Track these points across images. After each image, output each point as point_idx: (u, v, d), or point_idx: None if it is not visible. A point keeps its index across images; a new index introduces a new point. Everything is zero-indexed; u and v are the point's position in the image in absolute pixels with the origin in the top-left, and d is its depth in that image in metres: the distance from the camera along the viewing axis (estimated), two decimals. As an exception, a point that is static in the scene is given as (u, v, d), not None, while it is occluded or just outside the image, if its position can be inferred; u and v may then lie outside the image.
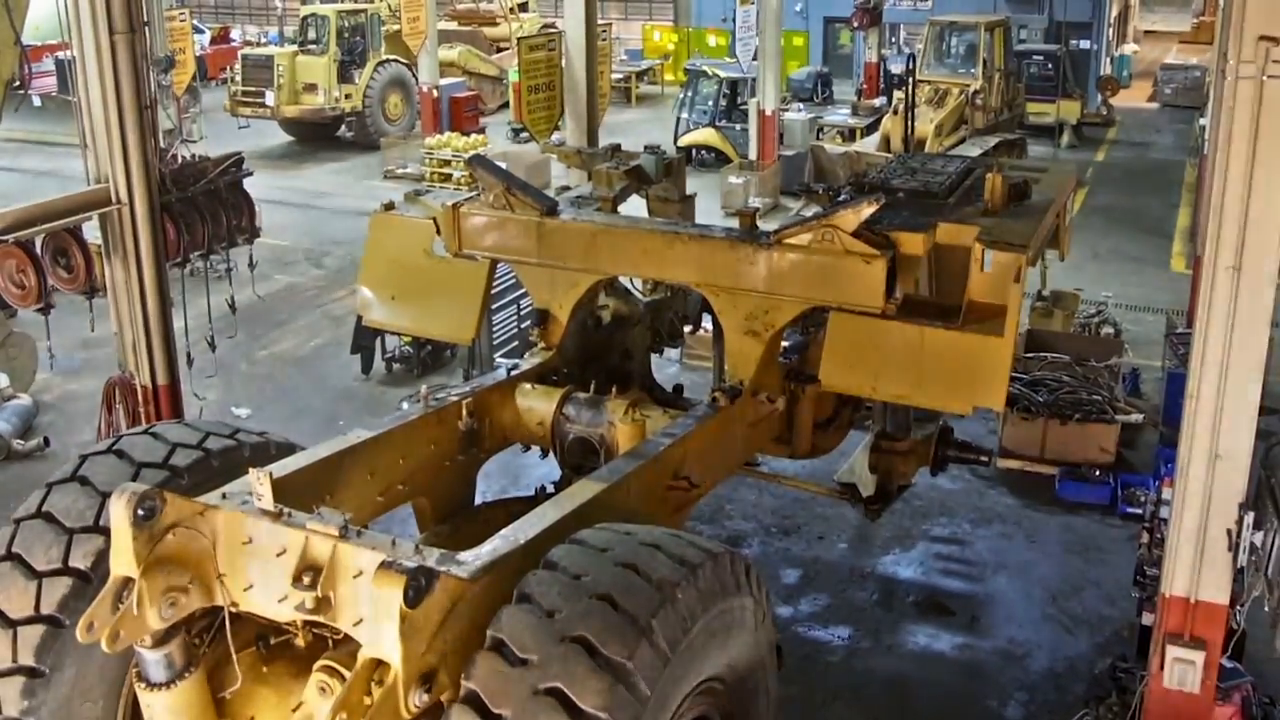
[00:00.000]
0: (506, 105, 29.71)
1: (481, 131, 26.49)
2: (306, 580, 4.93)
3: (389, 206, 8.31)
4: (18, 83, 10.69)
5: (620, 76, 33.62)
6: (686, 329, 9.30)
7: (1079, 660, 9.07)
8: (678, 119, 27.07)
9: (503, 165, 8.31)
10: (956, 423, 9.10)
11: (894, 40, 34.94)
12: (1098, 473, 11.60)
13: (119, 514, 4.94)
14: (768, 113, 22.91)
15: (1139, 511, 10.33)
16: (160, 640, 5.14)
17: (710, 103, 26.51)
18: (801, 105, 28.91)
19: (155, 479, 5.74)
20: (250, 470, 5.20)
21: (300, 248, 19.63)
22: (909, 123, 20.68)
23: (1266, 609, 6.70)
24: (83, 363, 14.00)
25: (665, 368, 12.85)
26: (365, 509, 6.24)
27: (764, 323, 7.26)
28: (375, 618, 4.70)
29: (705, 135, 25.95)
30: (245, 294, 13.66)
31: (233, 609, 5.23)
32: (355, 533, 5.04)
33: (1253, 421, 6.32)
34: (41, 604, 5.48)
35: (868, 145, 23.63)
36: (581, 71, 14.23)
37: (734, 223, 7.52)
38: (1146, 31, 47.48)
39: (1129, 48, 39.30)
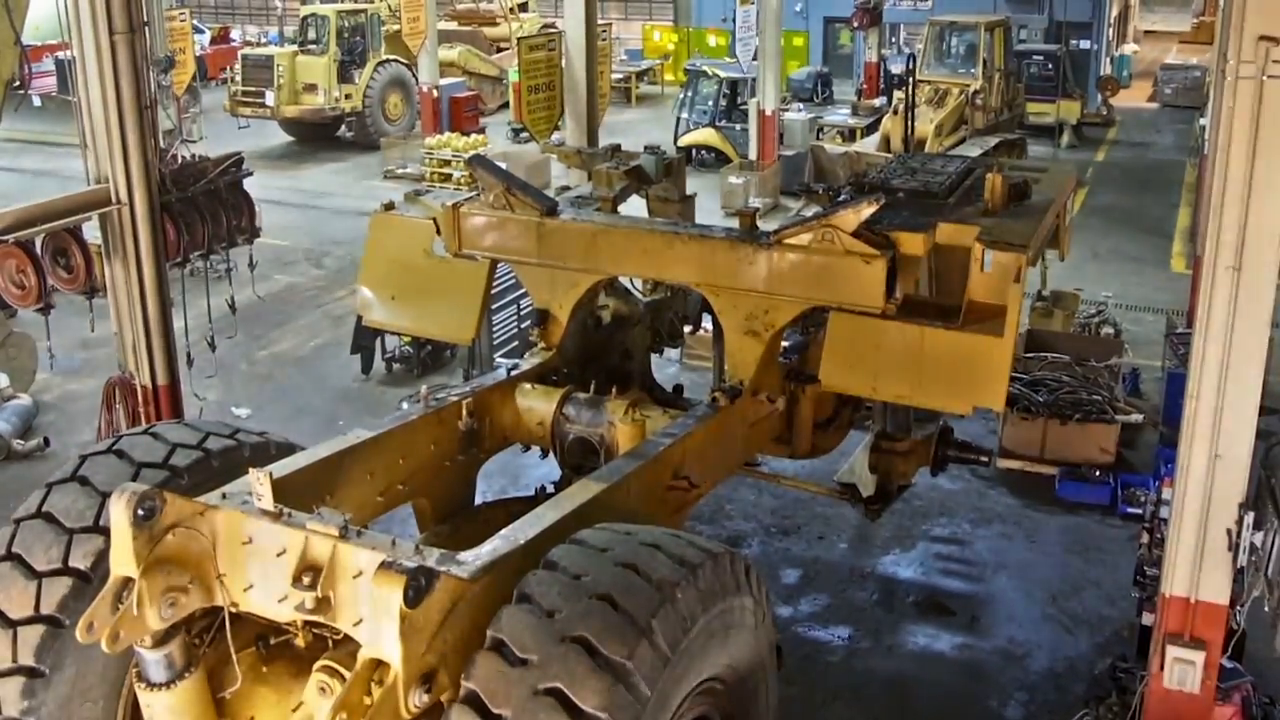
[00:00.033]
0: (506, 105, 29.71)
1: (481, 131, 26.49)
2: (306, 580, 4.93)
3: (389, 206, 8.31)
4: (18, 83, 10.69)
5: (620, 76, 33.62)
6: (686, 329, 9.30)
7: (1079, 660, 9.07)
8: (678, 119, 27.07)
9: (503, 165, 8.31)
10: (956, 423, 9.10)
11: (894, 40, 34.94)
12: (1098, 473, 11.60)
13: (119, 514, 4.94)
14: (768, 113, 22.90)
15: (1139, 511, 10.33)
16: (160, 640, 5.14)
17: (710, 103, 26.52)
18: (801, 105, 28.92)
19: (155, 479, 5.74)
20: (250, 470, 5.20)
21: (300, 248, 19.63)
22: (909, 123, 20.68)
23: (1266, 609, 6.69)
24: (83, 363, 14.00)
25: (665, 368, 12.85)
26: (365, 509, 6.24)
27: (764, 323, 7.26)
28: (375, 618, 4.70)
29: (705, 135, 25.95)
30: (245, 294, 13.66)
31: (233, 609, 5.23)
32: (355, 533, 5.04)
33: (1253, 421, 6.32)
34: (41, 604, 5.48)
35: (868, 145, 23.64)
36: (581, 71, 14.23)
37: (734, 223, 7.52)
38: (1146, 31, 47.48)
39: (1129, 48, 39.30)
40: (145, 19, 9.84)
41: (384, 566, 4.64)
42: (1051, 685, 8.83)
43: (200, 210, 11.09)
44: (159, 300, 9.62)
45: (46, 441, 12.56)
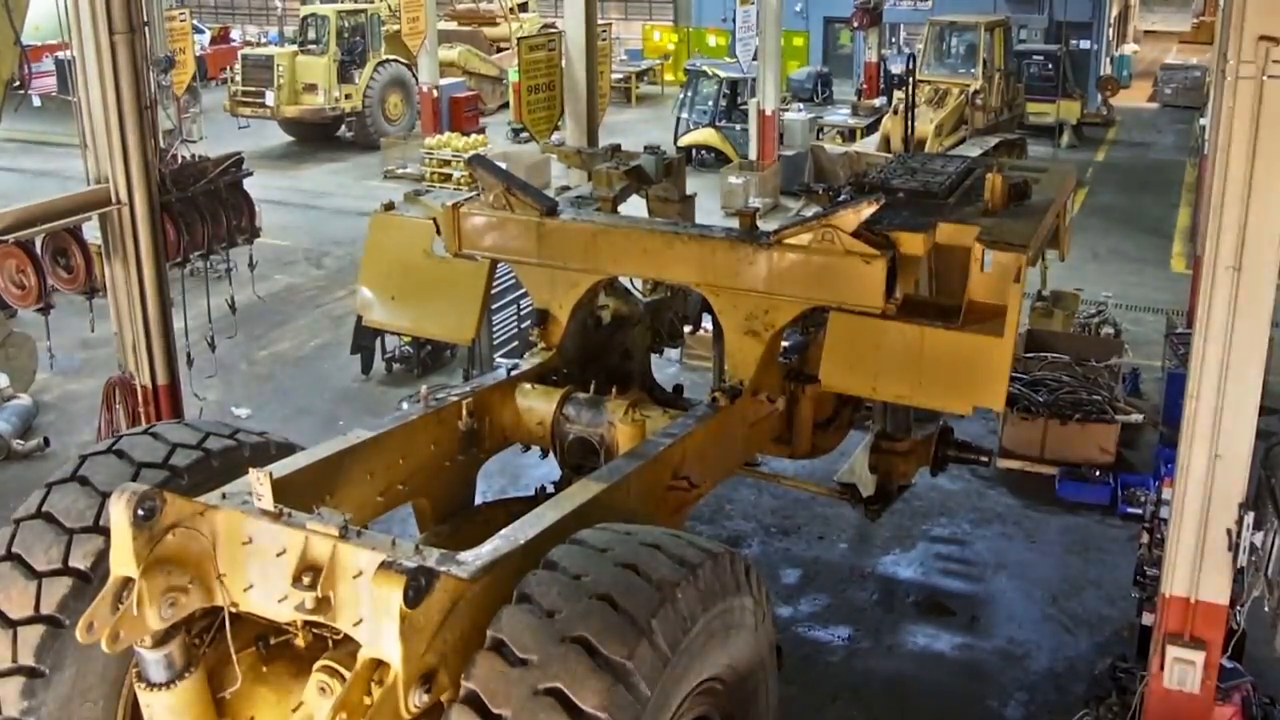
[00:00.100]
0: (506, 105, 29.71)
1: (481, 131, 26.49)
2: (306, 580, 4.93)
3: (389, 206, 8.31)
4: (18, 83, 10.69)
5: (620, 76, 33.62)
6: (686, 329, 9.29)
7: (1079, 660, 9.07)
8: (678, 119, 27.07)
9: (503, 165, 8.31)
10: (956, 423, 9.10)
11: (894, 40, 34.94)
12: (1098, 473, 11.60)
13: (119, 514, 4.94)
14: (768, 113, 22.90)
15: (1139, 511, 10.33)
16: (160, 640, 5.14)
17: (710, 103, 26.51)
18: (801, 105, 28.91)
19: (155, 479, 5.74)
20: (250, 470, 5.20)
21: (300, 248, 19.63)
22: (909, 123, 20.68)
23: (1266, 609, 6.69)
24: (83, 363, 14.00)
25: (665, 368, 12.85)
26: (365, 509, 6.24)
27: (764, 323, 7.26)
28: (375, 618, 4.70)
29: (705, 135, 25.95)
30: (245, 294, 13.67)
31: (233, 609, 5.23)
32: (355, 533, 5.04)
33: (1253, 421, 6.32)
34: (41, 604, 5.48)
35: (868, 145, 23.64)
36: (581, 71, 14.23)
37: (734, 223, 7.52)
38: (1146, 31, 47.49)
39: (1129, 48, 39.30)
40: (145, 19, 9.84)
41: (384, 566, 4.64)
42: (1051, 685, 8.83)
43: (200, 210, 11.10)
44: (159, 300, 9.62)
45: (46, 441, 12.57)
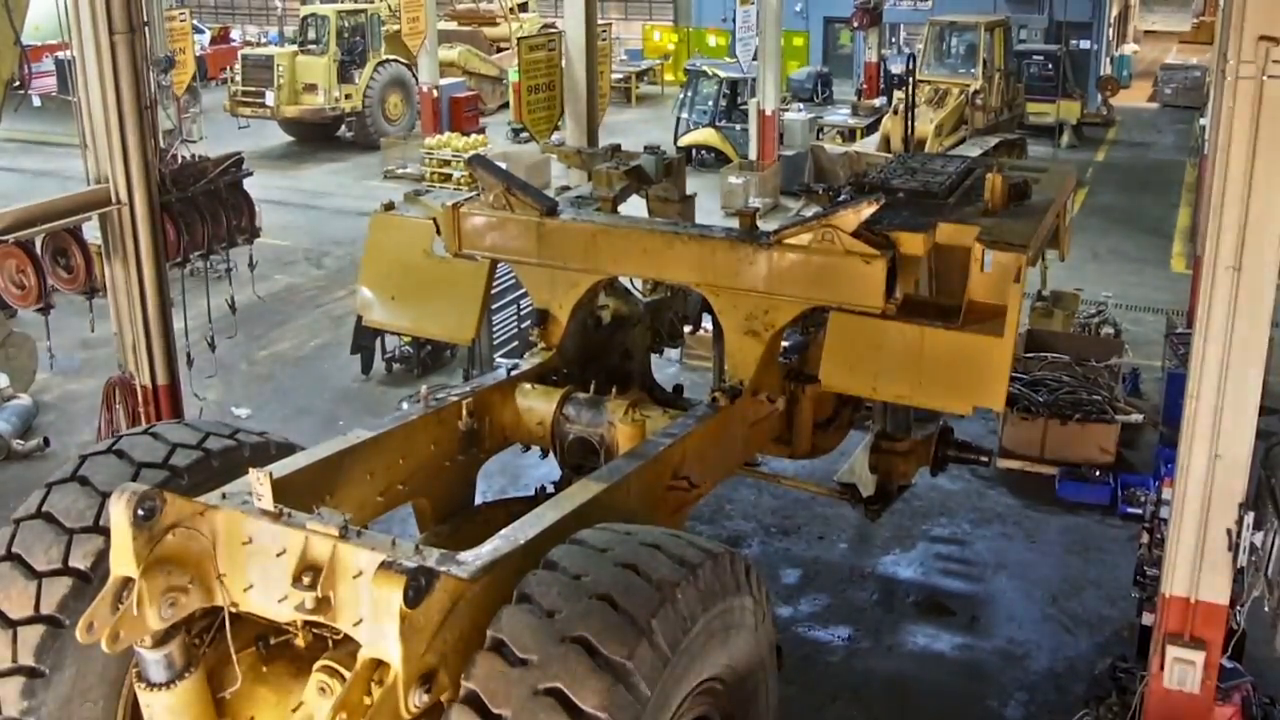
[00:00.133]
0: (506, 105, 29.71)
1: (481, 131, 26.49)
2: (306, 580, 4.93)
3: (389, 206, 8.31)
4: (18, 83, 10.69)
5: (620, 76, 33.62)
6: (686, 329, 9.29)
7: (1079, 660, 9.07)
8: (678, 119, 27.08)
9: (503, 165, 8.31)
10: (956, 423, 9.10)
11: (894, 40, 34.95)
12: (1098, 473, 11.60)
13: (119, 514, 4.94)
14: (768, 113, 22.90)
15: (1139, 511, 10.33)
16: (160, 640, 5.14)
17: (710, 103, 26.51)
18: (801, 105, 28.92)
19: (155, 479, 5.74)
20: (250, 470, 5.20)
21: (300, 248, 19.63)
22: (909, 123, 20.68)
23: (1266, 609, 6.69)
24: (83, 363, 13.99)
25: (665, 368, 12.85)
26: (365, 509, 6.24)
27: (764, 323, 7.26)
28: (375, 618, 4.70)
29: (705, 135, 25.96)
30: (245, 294, 13.67)
31: (233, 609, 5.23)
32: (355, 533, 5.04)
33: (1253, 421, 6.32)
34: (41, 604, 5.48)
35: (868, 145, 23.64)
36: (581, 71, 14.23)
37: (734, 223, 7.52)
38: (1146, 31, 47.48)
39: (1129, 48, 39.31)
40: (145, 19, 9.84)
41: (384, 566, 4.64)
42: (1051, 685, 8.83)
43: (200, 210, 11.10)
44: (159, 300, 9.62)
45: (46, 441, 12.57)
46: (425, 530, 6.89)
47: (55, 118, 21.39)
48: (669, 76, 36.61)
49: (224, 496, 5.36)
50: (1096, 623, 9.58)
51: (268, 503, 5.10)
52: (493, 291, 8.59)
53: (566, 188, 10.65)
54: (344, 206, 22.13)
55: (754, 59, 23.01)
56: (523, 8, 37.32)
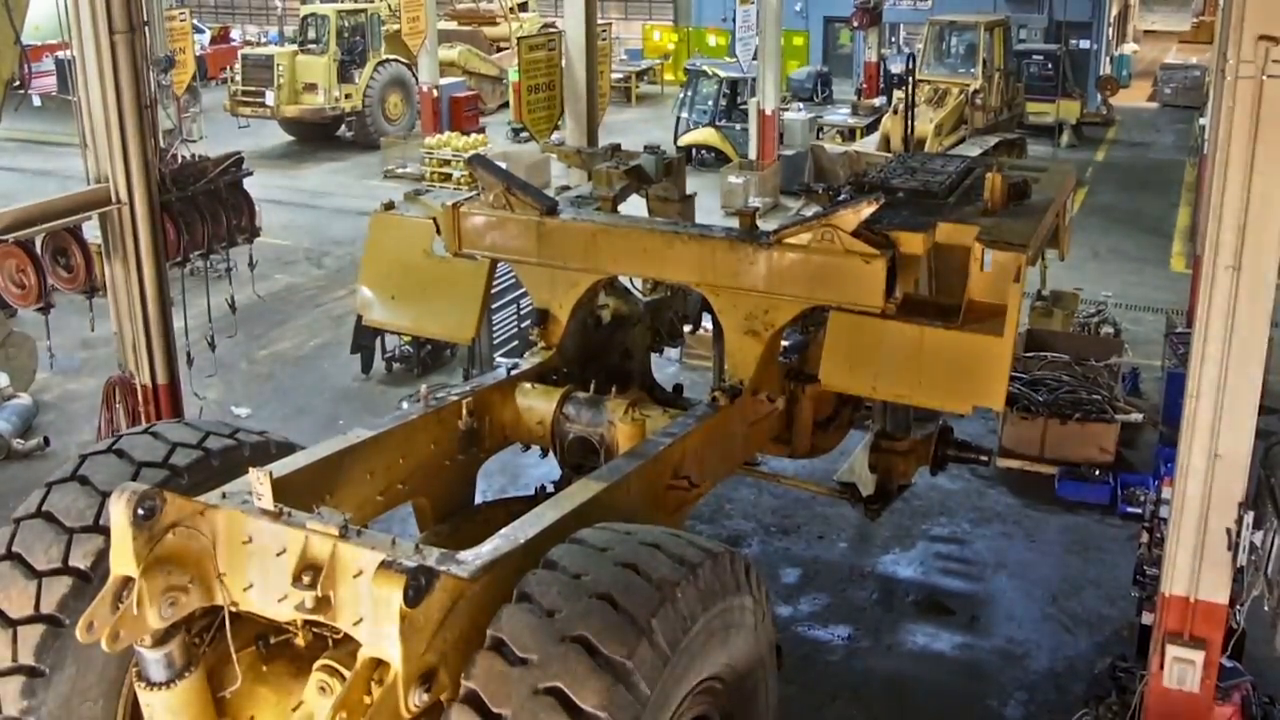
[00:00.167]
0: (506, 105, 29.71)
1: (481, 131, 26.49)
2: (306, 580, 4.93)
3: (389, 206, 8.31)
4: (18, 83, 10.69)
5: (620, 76, 33.63)
6: (686, 329, 9.30)
7: (1079, 660, 9.07)
8: (678, 119, 27.08)
9: (503, 165, 8.31)
10: (956, 422, 9.10)
11: (894, 40, 34.95)
12: (1097, 472, 11.60)
13: (119, 513, 4.94)
14: (768, 112, 22.90)
15: (1139, 511, 10.33)
16: (160, 640, 5.14)
17: (710, 102, 26.51)
18: (801, 105, 28.92)
19: (155, 478, 5.74)
20: (250, 470, 5.20)
21: (300, 247, 19.64)
22: (909, 122, 20.68)
23: (1266, 608, 6.69)
24: (83, 362, 14.00)
25: (665, 368, 12.85)
26: (365, 509, 6.24)
27: (764, 322, 7.26)
28: (375, 617, 4.70)
29: (705, 135, 25.96)
30: (245, 294, 13.68)
31: (233, 608, 5.23)
32: (355, 532, 5.04)
33: (1253, 421, 6.32)
34: (41, 603, 5.48)
35: (868, 145, 23.63)
36: (581, 71, 14.23)
37: (734, 222, 7.52)
38: (1146, 31, 47.49)
39: (1129, 47, 39.30)
40: (145, 19, 9.84)
41: (384, 566, 4.65)
42: (1051, 685, 8.84)
43: (200, 210, 11.10)
44: (159, 300, 9.62)
45: (46, 441, 12.57)
46: (425, 530, 6.89)
47: (55, 117, 21.39)
48: (669, 76, 36.62)
49: (224, 496, 5.36)
50: (1096, 622, 9.58)
51: (268, 502, 5.10)
52: (493, 291, 8.59)
53: (566, 187, 10.66)
54: (344, 206, 22.14)
55: (754, 59, 23.00)
56: (523, 8, 37.33)
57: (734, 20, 24.07)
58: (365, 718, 4.68)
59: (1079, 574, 10.27)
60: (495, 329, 13.62)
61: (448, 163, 23.89)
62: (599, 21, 15.23)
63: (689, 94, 27.28)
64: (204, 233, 11.14)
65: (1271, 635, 6.96)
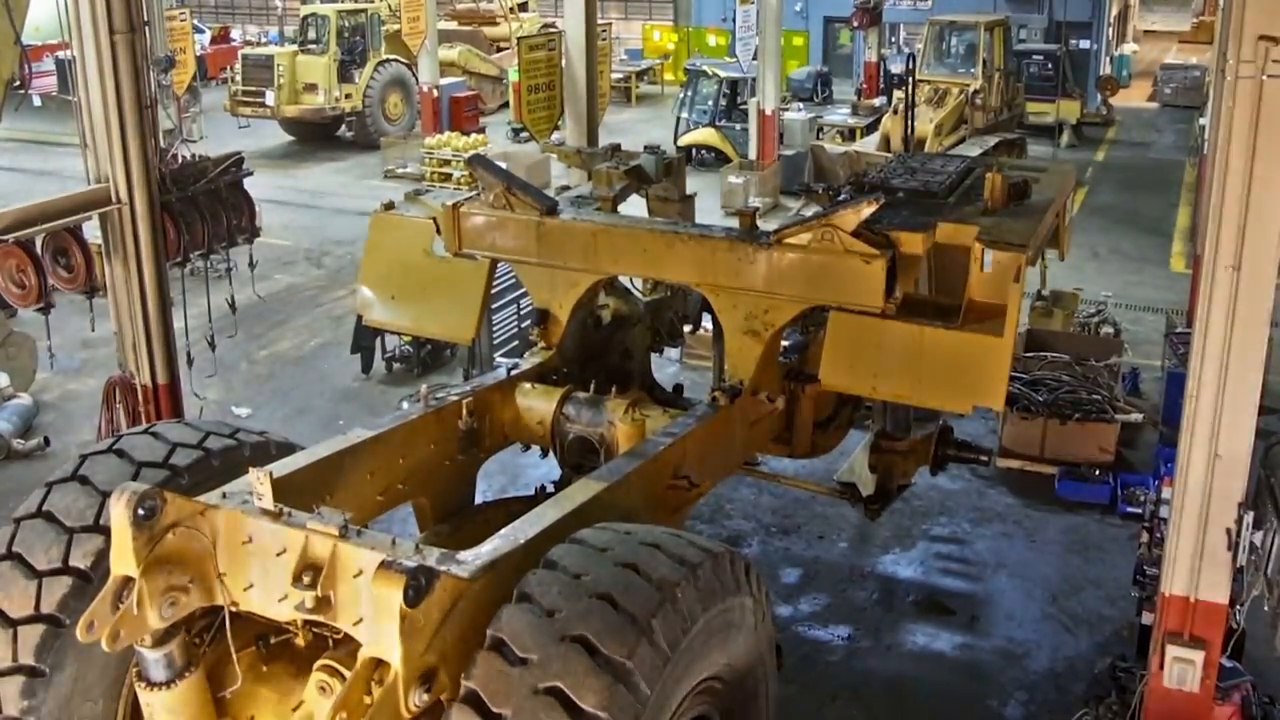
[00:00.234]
0: (506, 105, 29.71)
1: (481, 131, 26.49)
2: (306, 580, 4.94)
3: (389, 206, 8.32)
4: (18, 83, 10.69)
5: (620, 76, 33.63)
6: (686, 329, 9.30)
7: (1079, 660, 9.07)
8: (678, 119, 27.07)
9: (503, 165, 8.31)
10: (956, 422, 9.10)
11: (894, 40, 34.94)
12: (1097, 472, 11.60)
13: (119, 513, 4.94)
14: (768, 112, 22.91)
15: (1139, 511, 10.34)
16: (160, 640, 5.14)
17: (710, 102, 26.51)
18: (801, 105, 28.92)
19: (155, 478, 5.74)
20: (250, 470, 5.20)
21: (300, 248, 19.64)
22: (909, 123, 20.68)
23: (1266, 608, 6.70)
24: (83, 362, 14.01)
25: (665, 368, 12.86)
26: (365, 509, 6.24)
27: (764, 322, 7.26)
28: (375, 617, 4.70)
29: (705, 135, 25.95)
30: (245, 294, 13.69)
31: (233, 608, 5.23)
32: (355, 532, 5.04)
33: (1253, 421, 6.32)
34: (41, 603, 5.48)
35: (868, 145, 23.63)
36: (581, 71, 14.23)
37: (734, 222, 7.52)
38: (1146, 31, 47.50)
39: (1129, 47, 39.29)
40: (145, 19, 9.84)
41: (384, 566, 4.65)
42: (1051, 685, 8.84)
43: (200, 210, 11.10)
44: (159, 300, 9.62)
45: (46, 441, 12.57)
46: (425, 530, 6.89)
47: (55, 117, 21.42)
48: (669, 76, 36.61)
49: (224, 496, 5.37)
50: (1096, 622, 9.58)
51: (268, 502, 5.10)
52: (493, 291, 8.59)
53: (566, 187, 10.66)
54: (344, 206, 22.13)
55: (754, 59, 23.00)
56: (523, 8, 37.33)
57: (734, 20, 24.07)
58: (365, 718, 4.67)
59: (1079, 574, 10.27)
60: (495, 329, 13.62)
61: (448, 163, 23.89)
62: (599, 21, 15.23)
63: (689, 94, 27.28)
64: (204, 233, 11.14)
65: (1271, 635, 6.97)
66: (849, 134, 26.22)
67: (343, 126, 28.48)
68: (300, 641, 5.36)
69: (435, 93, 25.86)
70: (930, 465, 8.82)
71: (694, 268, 7.31)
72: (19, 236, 9.20)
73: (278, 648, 5.45)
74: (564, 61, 14.78)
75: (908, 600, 9.93)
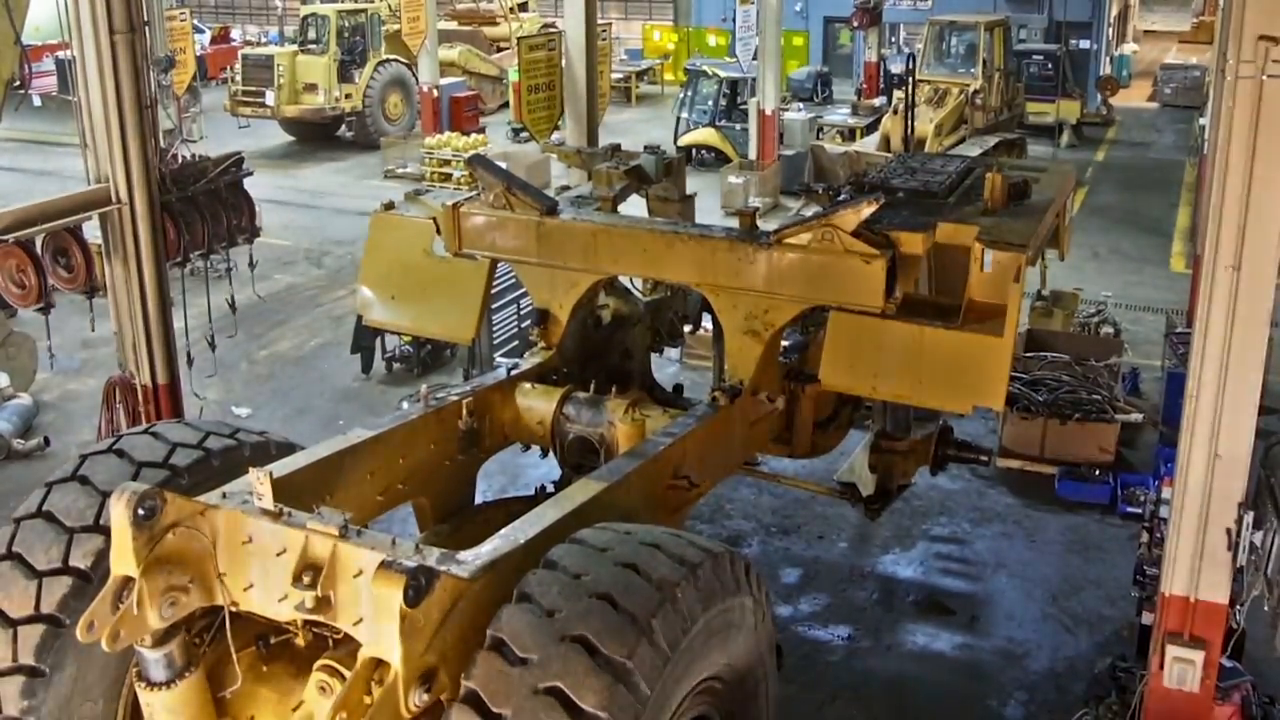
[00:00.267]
0: (506, 105, 29.71)
1: (481, 131, 26.49)
2: (306, 580, 4.94)
3: (389, 206, 8.32)
4: (18, 83, 10.69)
5: (620, 76, 33.63)
6: (686, 329, 9.30)
7: (1079, 660, 9.07)
8: (678, 119, 27.07)
9: (503, 165, 8.31)
10: (956, 422, 9.10)
11: (894, 40, 34.94)
12: (1097, 472, 11.60)
13: (119, 513, 4.94)
14: (768, 112, 22.91)
15: (1139, 511, 10.34)
16: (160, 640, 5.14)
17: (710, 102, 26.51)
18: (801, 105, 28.91)
19: (155, 478, 5.74)
20: (250, 470, 5.21)
21: (300, 247, 19.64)
22: (909, 123, 20.67)
23: (1266, 608, 6.70)
24: (83, 362, 14.01)
25: (665, 368, 12.86)
26: (365, 509, 6.24)
27: (764, 322, 7.26)
28: (375, 617, 4.70)
29: (705, 135, 25.95)
30: (245, 294, 13.68)
31: (233, 608, 5.23)
32: (355, 532, 5.04)
33: (1253, 421, 6.32)
34: (42, 603, 5.48)
35: (868, 145, 23.63)
36: (581, 71, 14.23)
37: (734, 223, 7.52)
38: (1146, 31, 47.50)
39: (1129, 47, 39.30)
40: (145, 19, 9.84)
41: (384, 566, 4.65)
42: (1051, 685, 8.84)
43: (200, 210, 11.10)
44: (159, 300, 9.62)
45: (46, 441, 12.57)
46: (425, 530, 6.89)
47: (55, 117, 21.42)
48: (669, 76, 36.61)
49: (224, 496, 5.37)
50: (1096, 622, 9.58)
51: (268, 502, 5.10)
52: (493, 291, 8.59)
53: (566, 187, 10.65)
54: (344, 206, 22.13)
55: (754, 59, 23.00)
56: (523, 8, 37.33)
57: (734, 20, 24.07)
58: (365, 718, 4.68)
59: (1079, 574, 10.27)
60: (495, 329, 13.62)
61: (448, 163, 23.89)
62: (599, 21, 15.23)
63: (689, 94, 27.28)
64: (204, 233, 11.14)
65: (1271, 635, 6.97)
66: (849, 134, 26.22)
67: (343, 126, 28.48)
68: (300, 641, 5.36)
69: (435, 93, 25.87)
70: (930, 465, 8.82)
71: (694, 268, 7.31)
72: (19, 236, 9.20)
73: (278, 648, 5.45)
74: (564, 61, 14.78)
75: (908, 600, 9.93)
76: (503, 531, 5.37)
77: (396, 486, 6.56)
